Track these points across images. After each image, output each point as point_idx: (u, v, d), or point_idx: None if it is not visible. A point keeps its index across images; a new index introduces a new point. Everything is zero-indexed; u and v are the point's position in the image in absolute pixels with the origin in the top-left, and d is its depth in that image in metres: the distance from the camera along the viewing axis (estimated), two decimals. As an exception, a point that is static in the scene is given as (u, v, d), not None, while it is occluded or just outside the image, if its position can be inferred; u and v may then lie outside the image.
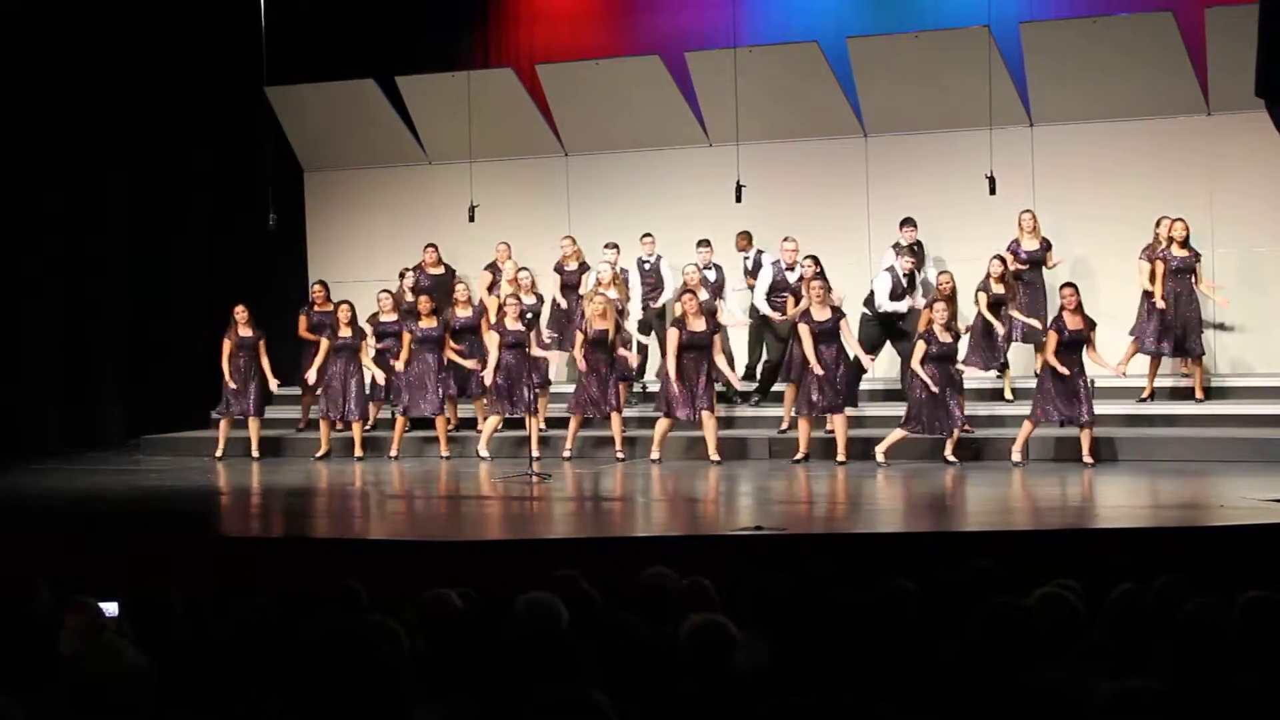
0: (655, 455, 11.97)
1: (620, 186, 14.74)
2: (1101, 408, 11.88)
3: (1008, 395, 12.68)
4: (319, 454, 13.10)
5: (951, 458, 11.41)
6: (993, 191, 12.46)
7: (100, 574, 7.19)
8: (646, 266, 13.51)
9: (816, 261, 12.25)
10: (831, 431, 11.81)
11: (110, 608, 5.00)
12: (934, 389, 11.24)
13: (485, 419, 12.83)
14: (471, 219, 13.92)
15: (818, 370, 11.48)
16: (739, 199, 12.61)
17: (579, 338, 12.25)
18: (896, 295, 12.58)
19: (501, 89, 14.72)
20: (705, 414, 11.80)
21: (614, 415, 12.22)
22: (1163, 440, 11.54)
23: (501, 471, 11.82)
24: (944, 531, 9.06)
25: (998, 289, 12.37)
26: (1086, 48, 13.05)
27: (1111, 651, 4.26)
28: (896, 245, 12.94)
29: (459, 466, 12.48)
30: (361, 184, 15.63)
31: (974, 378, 12.60)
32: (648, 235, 13.56)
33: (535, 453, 11.64)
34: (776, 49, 13.94)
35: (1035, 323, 12.21)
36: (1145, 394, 12.39)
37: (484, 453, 12.56)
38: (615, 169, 14.80)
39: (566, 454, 12.38)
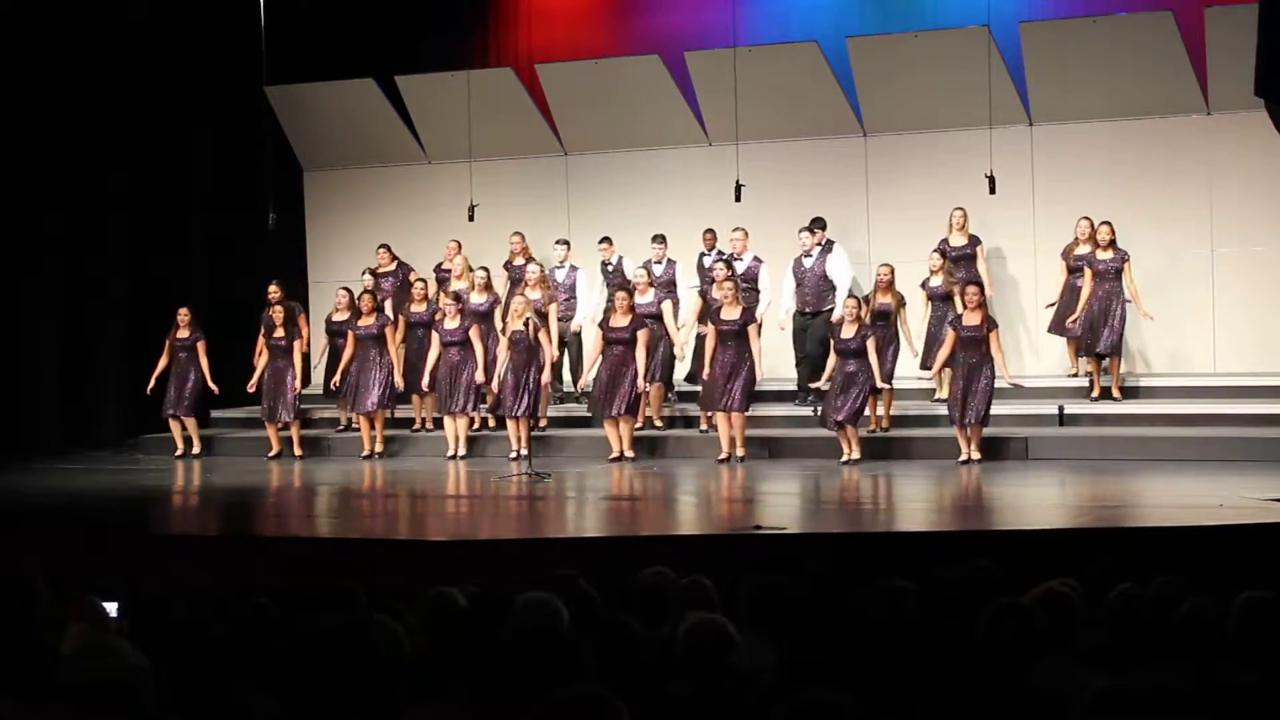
0: (629, 454, 12.03)
1: (620, 186, 14.73)
2: (1089, 408, 11.92)
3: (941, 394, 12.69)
4: (270, 454, 13.14)
5: (855, 454, 11.38)
6: (992, 191, 12.46)
7: (100, 574, 7.18)
8: (609, 269, 13.54)
9: (729, 264, 12.29)
10: (732, 431, 11.83)
11: (110, 608, 5.00)
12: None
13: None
14: (471, 218, 13.93)
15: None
16: (738, 199, 12.62)
17: (501, 339, 12.29)
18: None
19: (501, 89, 14.72)
20: (621, 417, 11.92)
21: (511, 420, 12.24)
22: (1163, 440, 11.53)
23: (497, 472, 11.82)
24: (944, 531, 9.07)
25: (936, 280, 12.43)
26: (1086, 47, 13.05)
27: (1111, 651, 4.26)
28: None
29: (454, 467, 12.48)
30: (361, 184, 15.63)
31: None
32: (605, 240, 13.60)
33: (524, 450, 11.71)
34: (776, 49, 13.94)
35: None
36: (1096, 393, 12.42)
37: (461, 451, 12.58)
38: (615, 169, 14.80)
39: (513, 455, 12.31)
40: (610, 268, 13.55)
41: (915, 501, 10.40)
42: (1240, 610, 4.21)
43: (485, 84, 14.74)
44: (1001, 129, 13.00)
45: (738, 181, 12.61)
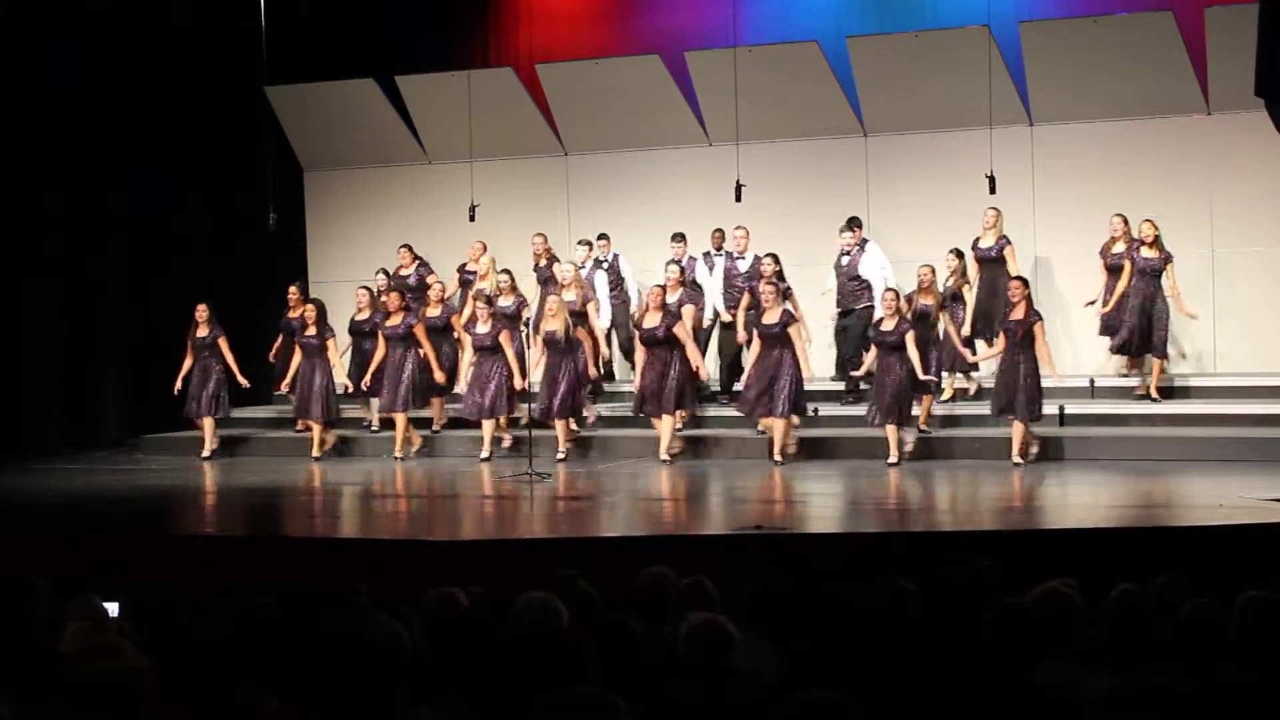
0: (663, 455, 11.91)
1: (620, 186, 14.73)
2: (1091, 408, 11.92)
3: (954, 395, 12.72)
4: (316, 454, 13.08)
5: (908, 448, 11.40)
6: (993, 191, 12.46)
7: (100, 574, 7.19)
8: (605, 266, 13.56)
9: (776, 260, 12.26)
10: (764, 431, 11.90)
11: (111, 608, 5.00)
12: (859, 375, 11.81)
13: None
14: (472, 219, 13.93)
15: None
16: (739, 199, 12.62)
17: (536, 339, 12.26)
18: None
19: (501, 89, 14.72)
20: (665, 415, 11.81)
21: (557, 422, 12.18)
22: (1163, 439, 11.54)
23: (501, 471, 11.82)
24: (944, 531, 9.07)
25: (950, 281, 12.48)
26: (1086, 47, 13.05)
27: (1112, 651, 4.26)
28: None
29: (456, 466, 12.48)
30: (361, 184, 15.63)
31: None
32: (603, 237, 13.63)
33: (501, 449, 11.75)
34: (776, 49, 13.94)
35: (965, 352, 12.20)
36: (1140, 391, 12.41)
37: (484, 454, 12.51)
38: (615, 169, 14.80)
39: (560, 455, 12.29)
40: (605, 265, 13.55)
41: (916, 501, 10.40)
42: (1241, 610, 4.21)
43: (485, 84, 14.74)
44: (1001, 129, 13.00)
45: (738, 181, 12.60)
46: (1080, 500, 10.14)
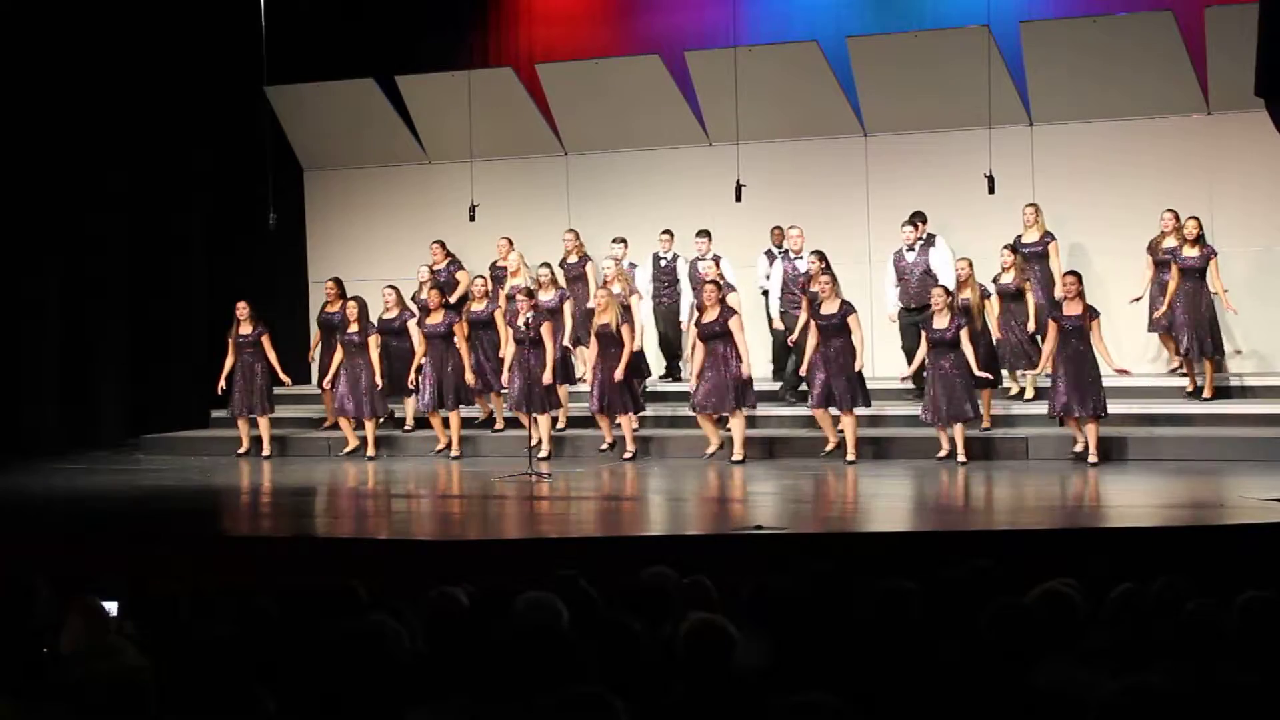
0: (736, 456, 11.82)
1: (620, 186, 14.74)
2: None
3: (1028, 395, 12.62)
4: (345, 450, 13.09)
5: (962, 457, 11.29)
6: (991, 191, 12.45)
7: (100, 574, 7.19)
8: (662, 264, 13.56)
9: (822, 256, 12.25)
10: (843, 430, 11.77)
11: (110, 607, 5.00)
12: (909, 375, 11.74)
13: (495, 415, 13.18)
14: (472, 218, 13.93)
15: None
16: (739, 198, 12.62)
17: (591, 338, 12.26)
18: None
19: (501, 89, 14.73)
20: (733, 416, 11.70)
21: (622, 417, 12.16)
22: (1164, 440, 11.53)
23: (502, 471, 11.82)
24: (944, 531, 9.07)
25: (1006, 278, 12.33)
26: (1086, 47, 13.05)
27: (1112, 650, 4.26)
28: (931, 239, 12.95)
29: (461, 466, 12.48)
30: (361, 184, 15.63)
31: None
32: (666, 232, 13.59)
33: (545, 451, 11.68)
34: (776, 48, 13.94)
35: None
36: (1190, 389, 12.34)
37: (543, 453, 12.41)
38: (615, 168, 14.80)
39: (603, 448, 12.28)
40: (664, 263, 13.55)
41: (916, 501, 10.40)
42: (1241, 610, 4.21)
43: (485, 84, 14.74)
44: (1001, 129, 12.99)
45: (738, 181, 12.60)
46: (1081, 501, 10.14)
